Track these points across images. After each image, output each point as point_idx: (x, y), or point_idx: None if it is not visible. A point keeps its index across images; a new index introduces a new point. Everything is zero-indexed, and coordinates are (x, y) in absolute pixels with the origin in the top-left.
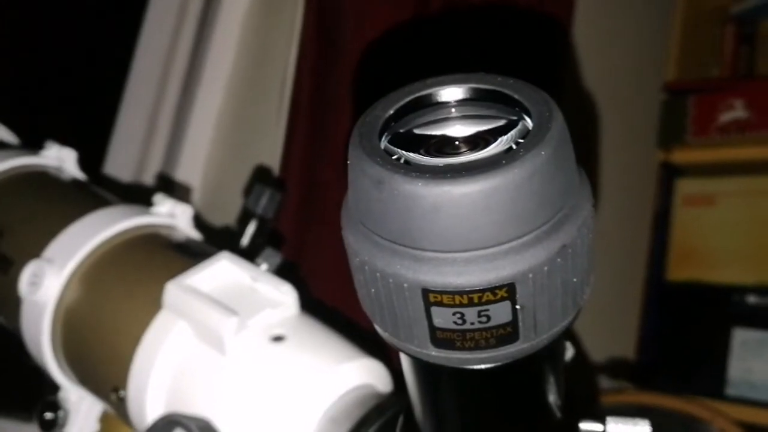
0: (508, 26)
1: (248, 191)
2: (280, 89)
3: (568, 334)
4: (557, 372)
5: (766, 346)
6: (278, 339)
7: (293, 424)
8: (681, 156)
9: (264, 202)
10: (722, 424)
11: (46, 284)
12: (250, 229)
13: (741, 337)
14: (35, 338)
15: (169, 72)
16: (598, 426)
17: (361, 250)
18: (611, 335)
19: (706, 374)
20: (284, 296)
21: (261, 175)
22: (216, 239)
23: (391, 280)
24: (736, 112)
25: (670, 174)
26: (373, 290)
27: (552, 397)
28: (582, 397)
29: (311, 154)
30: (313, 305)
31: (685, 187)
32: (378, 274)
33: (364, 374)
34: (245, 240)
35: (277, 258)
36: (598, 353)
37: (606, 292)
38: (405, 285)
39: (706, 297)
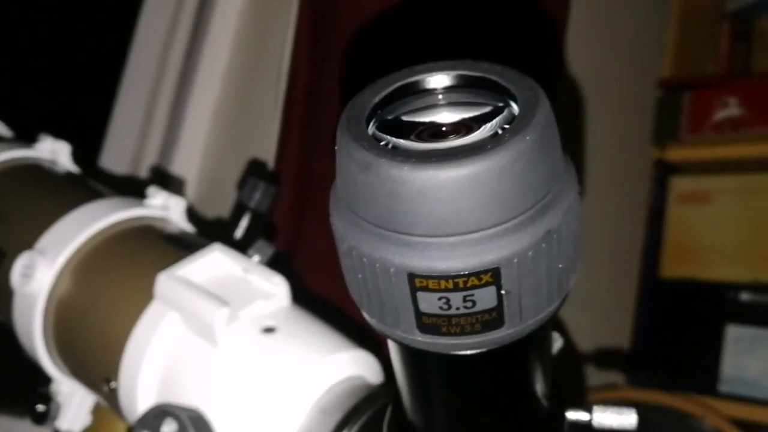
0: (503, 21)
1: (242, 184)
2: (276, 83)
3: (556, 324)
4: (544, 360)
5: (759, 343)
6: (269, 330)
7: (283, 415)
8: (675, 153)
9: (258, 195)
10: (714, 420)
11: (38, 276)
12: (244, 222)
13: (734, 334)
14: (27, 330)
15: (165, 65)
16: (585, 415)
17: (349, 235)
18: (605, 331)
19: (700, 371)
20: (276, 288)
21: (255, 169)
22: (210, 232)
23: (377, 265)
24: (731, 109)
25: (664, 171)
26: (360, 276)
27: (539, 385)
28: (570, 387)
29: (306, 147)
30: (305, 298)
31: (679, 184)
32: (365, 259)
33: (355, 365)
34: (239, 233)
35: (269, 250)
36: (592, 349)
37: (600, 289)
38: (391, 270)
39: (699, 294)
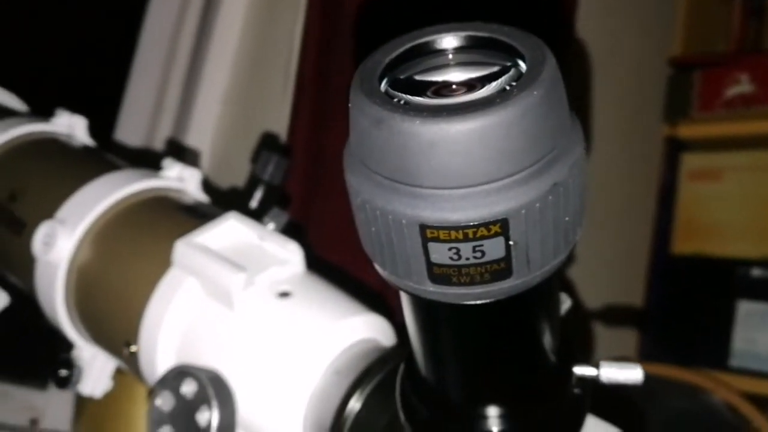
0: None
1: (256, 158)
2: (287, 57)
3: (565, 286)
4: (552, 314)
5: None
6: (284, 295)
7: (299, 376)
8: (686, 131)
9: (271, 168)
10: (725, 394)
11: (59, 244)
12: (258, 193)
13: (745, 309)
14: (49, 297)
15: (178, 39)
16: (593, 370)
17: (362, 189)
18: (617, 304)
19: (711, 345)
20: (291, 254)
21: (268, 142)
22: (225, 203)
23: (390, 217)
24: (742, 86)
25: (675, 148)
26: (373, 229)
27: (547, 338)
28: (577, 345)
29: (317, 121)
30: (319, 266)
31: (690, 161)
32: (378, 212)
33: (368, 328)
34: (254, 203)
35: (283, 217)
36: (604, 324)
37: (612, 265)
38: (403, 221)
39: (710, 270)
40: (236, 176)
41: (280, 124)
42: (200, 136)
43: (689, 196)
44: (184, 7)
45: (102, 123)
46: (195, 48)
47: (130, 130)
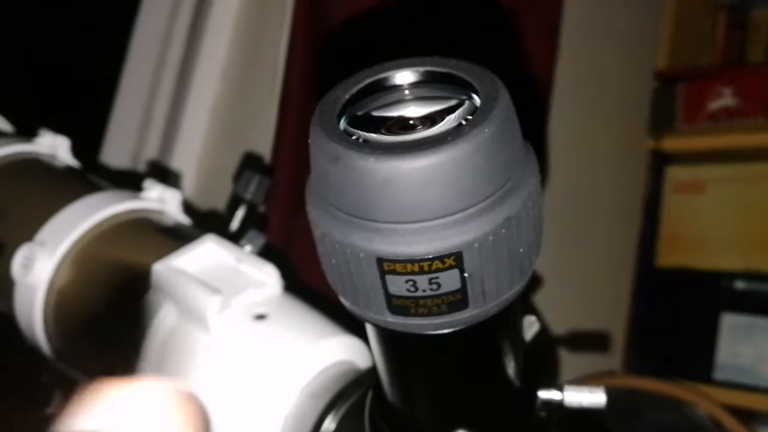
0: (498, 13)
1: (238, 177)
2: (272, 76)
3: (530, 309)
4: (514, 341)
5: (754, 331)
6: (261, 317)
7: (274, 399)
8: (671, 143)
9: (253, 187)
10: (709, 407)
11: (38, 267)
12: (240, 213)
13: (729, 322)
14: (28, 319)
15: (164, 60)
16: (557, 394)
17: (322, 223)
18: (601, 320)
19: (695, 358)
20: (267, 276)
21: (251, 162)
22: (206, 224)
23: (348, 250)
24: (725, 99)
25: (660, 161)
26: (333, 260)
27: (510, 365)
28: (543, 368)
29: (302, 140)
30: (299, 287)
31: (674, 174)
32: (337, 245)
33: (344, 350)
34: (234, 224)
35: (261, 239)
36: (588, 337)
37: (596, 278)
38: (361, 255)
39: (695, 282)
40: (221, 196)
41: (266, 138)
42: (187, 154)
43: (674, 208)
44: (171, 23)
45: (89, 143)
46: (181, 67)
47: (116, 150)
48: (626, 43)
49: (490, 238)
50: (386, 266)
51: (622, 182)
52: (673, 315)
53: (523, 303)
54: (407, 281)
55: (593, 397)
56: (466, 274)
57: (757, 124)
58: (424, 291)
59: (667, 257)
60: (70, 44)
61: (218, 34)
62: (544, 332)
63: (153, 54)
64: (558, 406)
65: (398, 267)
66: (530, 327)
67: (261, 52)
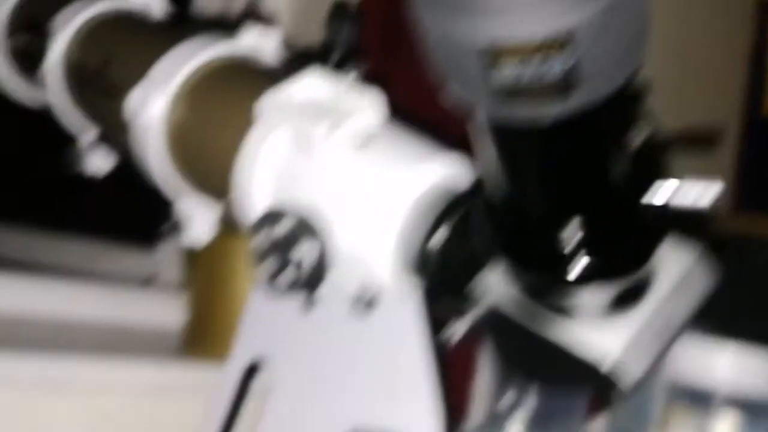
0: None
1: (329, 21)
2: None
3: (642, 110)
4: (623, 131)
5: None
6: (366, 141)
7: (385, 217)
8: None
9: (344, 31)
10: None
11: (154, 103)
12: (334, 55)
13: None
14: (148, 154)
15: None
16: (667, 189)
17: (432, 13)
18: (706, 169)
19: None
20: (370, 104)
21: (340, 6)
22: (303, 61)
23: (458, 37)
24: None
25: (765, 11)
26: (442, 51)
27: (618, 158)
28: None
29: None
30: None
31: None
32: (446, 33)
33: (449, 169)
34: (331, 63)
35: (362, 70)
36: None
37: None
38: (471, 40)
39: None
40: (315, 37)
41: None
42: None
43: None
44: None
45: None
46: None
47: None
48: None
49: (602, 18)
50: (495, 52)
51: (727, 32)
52: None
53: (633, 104)
54: (515, 66)
55: (706, 190)
56: (576, 58)
57: None
58: (531, 77)
59: None
60: None
61: None
62: (655, 136)
63: None
64: (667, 205)
65: (508, 51)
66: (641, 130)
67: None
